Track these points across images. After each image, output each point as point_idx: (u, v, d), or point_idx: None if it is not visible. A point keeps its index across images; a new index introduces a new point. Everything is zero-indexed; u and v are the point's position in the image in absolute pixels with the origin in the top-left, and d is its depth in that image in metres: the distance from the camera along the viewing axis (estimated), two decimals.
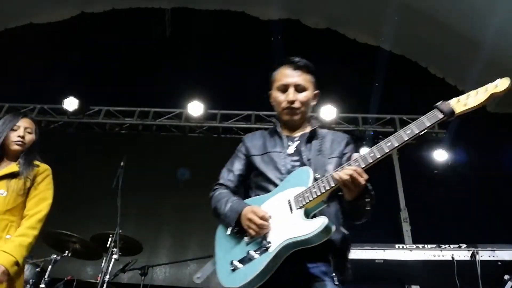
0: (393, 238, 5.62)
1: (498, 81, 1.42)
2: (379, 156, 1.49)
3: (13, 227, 2.30)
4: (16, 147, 2.46)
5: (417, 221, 5.73)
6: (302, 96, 1.90)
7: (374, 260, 3.24)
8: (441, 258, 3.20)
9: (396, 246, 3.33)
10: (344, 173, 1.48)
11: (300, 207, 1.57)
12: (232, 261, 1.61)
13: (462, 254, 3.18)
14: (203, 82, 6.78)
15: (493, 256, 3.13)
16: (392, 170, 6.33)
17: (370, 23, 7.18)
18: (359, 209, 1.62)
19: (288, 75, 1.91)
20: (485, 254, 3.13)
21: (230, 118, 6.92)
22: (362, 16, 7.18)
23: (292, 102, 1.88)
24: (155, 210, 5.92)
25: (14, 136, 2.46)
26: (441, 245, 3.26)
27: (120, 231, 3.50)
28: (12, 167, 2.41)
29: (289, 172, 1.76)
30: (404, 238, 5.58)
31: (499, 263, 3.11)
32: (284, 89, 1.91)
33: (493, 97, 1.43)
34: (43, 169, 2.53)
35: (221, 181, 1.94)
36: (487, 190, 5.77)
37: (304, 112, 1.93)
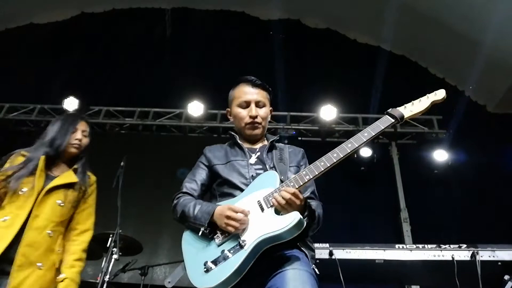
0: (393, 238, 5.62)
1: (437, 91, 1.75)
2: (342, 156, 1.63)
3: (61, 239, 2.26)
4: (73, 150, 2.39)
5: (417, 221, 5.73)
6: (263, 111, 2.03)
7: (374, 260, 3.24)
8: (441, 258, 3.20)
9: (396, 246, 3.33)
10: (281, 196, 1.57)
11: (271, 206, 1.62)
12: (206, 262, 1.60)
13: (462, 254, 3.18)
14: (203, 82, 6.77)
15: (493, 256, 3.13)
16: (392, 170, 6.33)
17: (370, 23, 7.18)
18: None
19: (248, 92, 2.02)
20: (485, 254, 3.13)
21: None
22: (362, 16, 7.18)
23: (255, 117, 1.99)
24: (155, 210, 5.91)
25: (72, 139, 2.39)
26: (441, 245, 3.26)
27: (120, 231, 3.49)
28: (70, 175, 2.33)
29: (253, 178, 1.81)
30: (404, 238, 5.58)
31: (499, 263, 3.11)
32: (245, 105, 2.01)
33: (433, 104, 1.74)
34: (93, 180, 2.49)
35: (184, 190, 1.96)
36: (487, 190, 5.76)
37: (264, 126, 2.04)
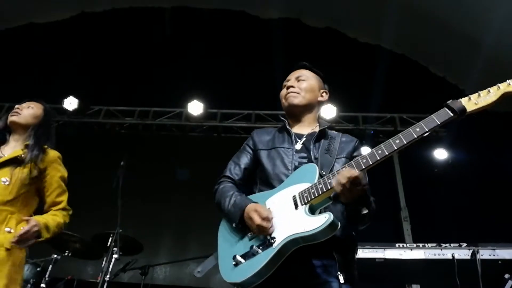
0: (394, 237, 5.63)
1: (510, 81, 1.43)
2: (387, 153, 1.48)
3: (12, 219, 2.05)
4: (12, 118, 2.30)
5: (418, 220, 5.74)
6: (303, 84, 1.98)
7: (374, 259, 3.25)
8: (441, 257, 3.20)
9: (397, 245, 3.33)
10: (342, 177, 1.45)
11: (306, 203, 1.55)
12: (235, 255, 1.58)
13: (462, 253, 3.19)
14: (203, 82, 6.78)
15: (494, 255, 3.13)
16: (392, 169, 6.33)
17: (370, 22, 7.17)
18: (355, 214, 1.60)
19: (292, 73, 2.07)
20: (485, 253, 3.14)
21: (230, 117, 6.92)
22: (362, 16, 7.17)
23: (290, 86, 1.98)
24: (155, 210, 5.92)
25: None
26: (441, 244, 3.27)
27: (121, 230, 3.50)
28: (17, 151, 2.18)
29: (295, 168, 1.75)
30: (404, 237, 5.58)
31: (500, 262, 3.12)
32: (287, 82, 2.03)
33: (505, 96, 1.43)
34: (52, 157, 2.27)
35: (226, 173, 1.91)
36: (488, 189, 5.76)
37: (305, 98, 1.96)
